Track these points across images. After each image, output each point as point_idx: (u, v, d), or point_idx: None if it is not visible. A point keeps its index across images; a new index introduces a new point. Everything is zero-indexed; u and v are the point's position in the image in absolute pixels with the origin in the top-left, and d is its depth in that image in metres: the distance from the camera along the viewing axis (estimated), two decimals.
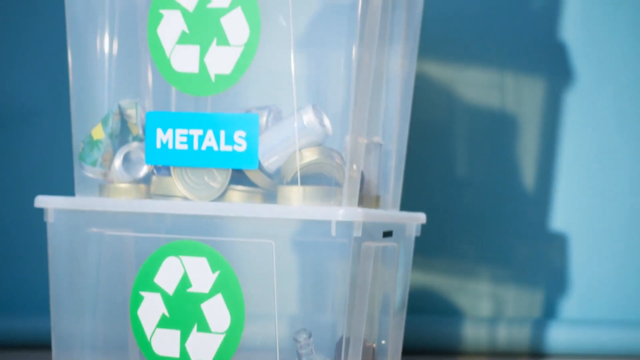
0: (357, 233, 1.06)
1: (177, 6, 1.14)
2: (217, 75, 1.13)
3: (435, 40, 1.69)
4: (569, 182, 1.68)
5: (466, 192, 1.71)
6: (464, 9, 1.70)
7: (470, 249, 1.70)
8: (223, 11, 1.13)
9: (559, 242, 1.67)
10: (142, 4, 1.18)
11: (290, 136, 1.12)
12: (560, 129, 1.68)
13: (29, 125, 1.75)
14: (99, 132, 1.18)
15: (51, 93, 1.73)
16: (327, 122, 1.12)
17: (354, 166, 1.08)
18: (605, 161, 1.68)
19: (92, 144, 1.18)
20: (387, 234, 1.15)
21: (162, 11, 1.14)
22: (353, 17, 1.07)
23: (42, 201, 1.18)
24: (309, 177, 1.11)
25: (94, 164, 1.18)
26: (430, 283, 1.69)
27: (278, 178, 1.13)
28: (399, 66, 1.22)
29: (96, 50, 1.20)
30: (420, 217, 1.23)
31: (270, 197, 1.13)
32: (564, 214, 1.67)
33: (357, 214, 1.05)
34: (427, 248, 1.60)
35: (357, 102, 1.08)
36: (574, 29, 1.68)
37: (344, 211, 1.06)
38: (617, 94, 1.67)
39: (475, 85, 1.70)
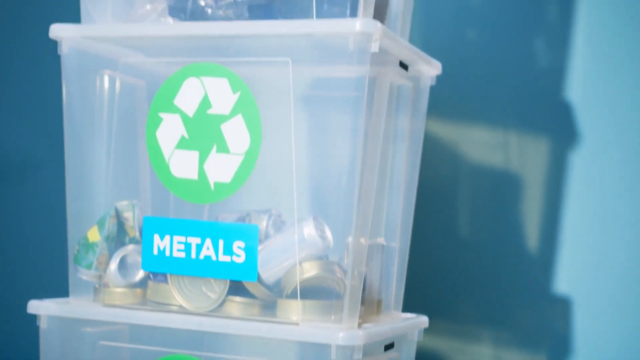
0: (358, 356, 1.03)
1: (177, 110, 1.10)
2: (216, 184, 1.10)
3: (439, 100, 1.65)
4: (573, 244, 1.65)
5: (468, 252, 1.68)
6: (469, 69, 1.67)
7: (472, 311, 1.67)
8: (223, 118, 1.09)
9: (563, 306, 1.64)
10: (142, 105, 1.15)
11: (290, 249, 1.09)
12: (564, 190, 1.65)
13: (32, 179, 1.72)
14: (95, 235, 1.15)
15: (52, 149, 1.71)
16: (328, 234, 1.09)
17: (355, 272, 1.05)
18: (610, 224, 1.65)
19: (88, 246, 1.15)
20: (389, 347, 1.12)
21: (161, 114, 1.11)
22: (357, 114, 1.04)
23: (35, 307, 1.14)
24: (309, 290, 1.08)
25: (89, 266, 1.15)
26: (431, 345, 1.66)
27: (277, 290, 1.10)
28: (403, 164, 1.18)
29: (93, 150, 1.16)
30: (423, 322, 1.19)
31: (269, 307, 1.10)
32: (568, 277, 1.65)
33: (357, 337, 1.02)
34: (428, 309, 1.57)
35: (360, 202, 1.05)
36: (579, 89, 1.64)
37: (345, 334, 1.02)
38: (623, 155, 1.64)
39: (479, 144, 1.67)
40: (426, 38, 1.66)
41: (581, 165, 1.64)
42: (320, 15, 1.06)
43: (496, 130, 1.67)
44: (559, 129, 1.64)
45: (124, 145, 1.15)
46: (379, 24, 1.03)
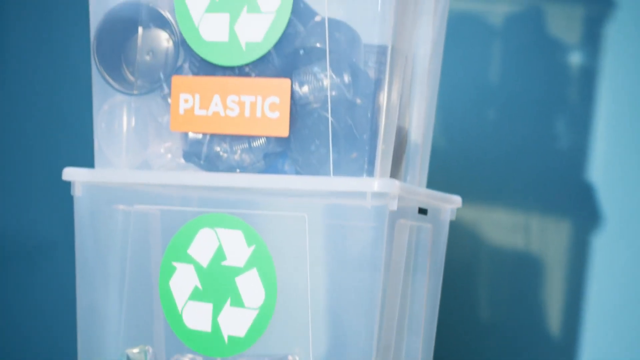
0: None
1: (191, 260, 1.07)
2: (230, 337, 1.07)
3: (459, 182, 1.63)
4: (596, 328, 1.62)
5: (489, 337, 1.65)
6: (489, 150, 1.64)
7: None
8: (238, 270, 1.06)
9: None
10: (156, 253, 1.12)
11: None
12: (586, 273, 1.62)
13: (44, 260, 1.70)
14: None
15: (64, 229, 1.69)
16: None
17: None
18: (633, 307, 1.62)
19: None
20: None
21: (175, 264, 1.08)
22: (378, 250, 1.01)
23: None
24: None
25: None
26: None
27: None
28: (424, 297, 1.15)
29: (107, 296, 1.14)
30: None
31: None
32: None
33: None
34: None
35: (380, 337, 1.02)
36: (600, 170, 1.61)
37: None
38: None
39: (500, 226, 1.65)
40: (446, 120, 1.63)
41: (603, 248, 1.61)
42: (337, 167, 1.03)
43: (517, 211, 1.64)
44: (581, 210, 1.61)
45: (137, 287, 1.13)
46: (397, 182, 0.99)
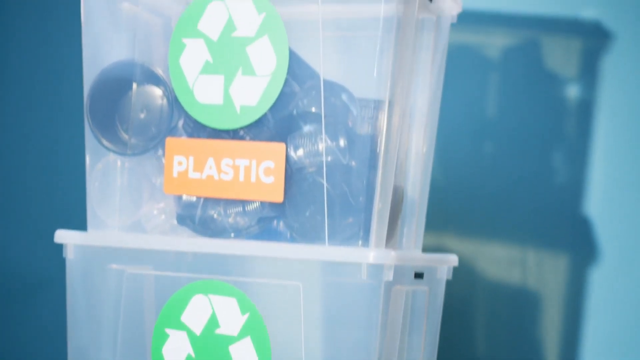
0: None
1: (184, 327, 1.06)
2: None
3: (456, 216, 1.62)
4: None
5: None
6: (486, 184, 1.62)
7: None
8: (232, 339, 1.05)
9: None
10: (149, 315, 1.10)
11: None
12: (584, 308, 1.61)
13: (43, 295, 1.69)
14: None
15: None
16: None
17: None
18: (633, 343, 1.61)
19: None
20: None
21: (168, 330, 1.07)
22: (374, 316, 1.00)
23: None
24: None
25: None
26: None
27: None
28: (420, 355, 1.14)
29: (98, 357, 1.12)
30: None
31: None
32: None
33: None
34: None
35: None
36: (598, 204, 1.60)
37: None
38: None
39: (497, 261, 1.64)
40: (443, 153, 1.61)
41: (601, 282, 1.60)
42: (332, 233, 1.01)
43: (514, 246, 1.63)
44: (578, 245, 1.60)
45: (130, 350, 1.11)
46: (392, 253, 0.98)
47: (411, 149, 1.15)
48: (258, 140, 1.04)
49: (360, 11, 1.06)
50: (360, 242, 1.00)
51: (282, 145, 1.03)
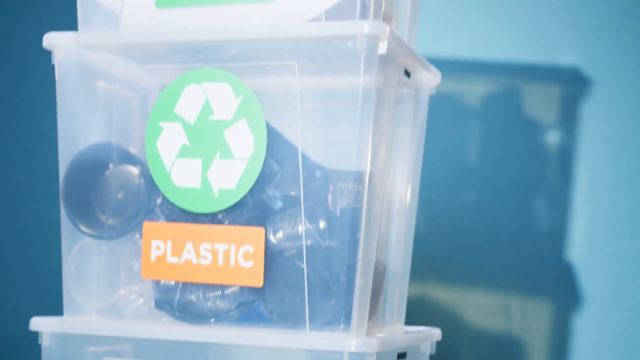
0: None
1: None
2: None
3: (439, 263, 1.61)
4: None
5: None
6: (468, 232, 1.61)
7: None
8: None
9: None
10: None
11: None
12: (569, 355, 1.60)
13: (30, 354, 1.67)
14: None
15: None
16: None
17: None
18: None
19: None
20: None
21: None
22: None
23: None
24: None
25: None
26: None
27: None
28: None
29: None
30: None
31: None
32: None
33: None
34: None
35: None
36: (581, 250, 1.59)
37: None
38: (630, 317, 1.59)
39: (480, 308, 1.62)
40: (425, 202, 1.60)
41: (586, 328, 1.59)
42: (313, 317, 1.00)
43: (498, 293, 1.62)
44: (562, 291, 1.59)
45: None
46: (374, 341, 0.96)
47: (392, 221, 1.13)
48: (237, 224, 1.02)
49: (339, 83, 1.04)
50: (342, 327, 0.99)
51: (262, 230, 1.01)
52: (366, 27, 0.98)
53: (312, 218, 1.00)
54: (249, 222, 1.02)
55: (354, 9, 1.01)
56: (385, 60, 1.00)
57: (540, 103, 1.63)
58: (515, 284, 1.61)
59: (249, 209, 1.03)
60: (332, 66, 1.03)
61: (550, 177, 1.62)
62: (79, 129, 1.09)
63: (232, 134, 1.02)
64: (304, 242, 1.00)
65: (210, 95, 1.03)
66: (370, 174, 1.01)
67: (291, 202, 1.02)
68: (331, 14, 1.01)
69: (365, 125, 1.00)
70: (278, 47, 1.02)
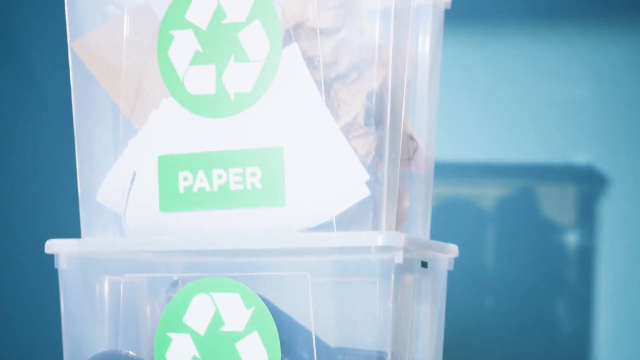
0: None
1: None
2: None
3: None
4: None
5: None
6: (488, 339, 1.57)
7: None
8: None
9: None
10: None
11: None
12: None
13: None
14: None
15: None
16: None
17: None
18: None
19: None
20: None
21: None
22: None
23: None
24: None
25: None
26: None
27: None
28: None
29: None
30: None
31: None
32: None
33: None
34: None
35: None
36: (604, 353, 1.55)
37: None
38: None
39: None
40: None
41: None
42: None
43: None
44: None
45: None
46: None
47: None
48: None
49: (352, 258, 0.98)
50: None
51: None
52: (380, 239, 0.92)
53: None
54: None
55: (366, 215, 0.94)
56: (400, 266, 0.94)
57: (557, 203, 1.57)
58: None
59: None
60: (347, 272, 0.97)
61: (570, 279, 1.57)
62: (84, 340, 1.03)
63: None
64: None
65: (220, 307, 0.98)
66: (392, 353, 0.95)
67: None
68: (342, 219, 0.95)
69: (384, 301, 0.94)
70: (288, 255, 0.96)
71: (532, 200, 1.58)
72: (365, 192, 0.94)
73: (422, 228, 1.08)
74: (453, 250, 1.09)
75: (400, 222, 1.02)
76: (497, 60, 1.58)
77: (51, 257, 1.04)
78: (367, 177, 0.94)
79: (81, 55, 1.01)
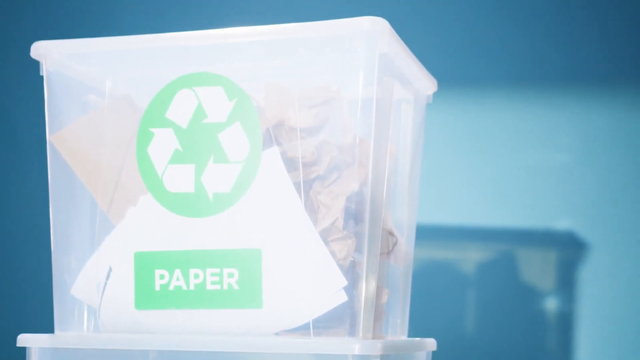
0: None
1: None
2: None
3: None
4: None
5: None
6: None
7: None
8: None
9: None
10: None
11: None
12: None
13: None
14: None
15: None
16: None
17: None
18: None
19: None
20: None
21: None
22: None
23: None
24: None
25: None
26: None
27: None
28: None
29: None
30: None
31: None
32: None
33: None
34: None
35: None
36: None
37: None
38: None
39: None
40: None
41: None
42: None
43: None
44: None
45: None
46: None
47: None
48: None
49: None
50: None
51: None
52: (357, 348, 0.89)
53: None
54: None
55: (344, 320, 0.91)
56: None
57: (537, 269, 1.55)
58: None
59: None
60: None
61: (549, 345, 1.55)
62: None
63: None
64: None
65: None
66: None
67: None
68: (319, 321, 0.92)
69: None
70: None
71: (512, 265, 1.55)
72: (343, 298, 0.91)
73: (400, 321, 1.05)
74: (431, 345, 1.07)
75: (378, 318, 0.99)
76: (480, 126, 1.56)
77: (23, 350, 1.01)
78: (344, 282, 0.91)
79: (60, 149, 0.98)
